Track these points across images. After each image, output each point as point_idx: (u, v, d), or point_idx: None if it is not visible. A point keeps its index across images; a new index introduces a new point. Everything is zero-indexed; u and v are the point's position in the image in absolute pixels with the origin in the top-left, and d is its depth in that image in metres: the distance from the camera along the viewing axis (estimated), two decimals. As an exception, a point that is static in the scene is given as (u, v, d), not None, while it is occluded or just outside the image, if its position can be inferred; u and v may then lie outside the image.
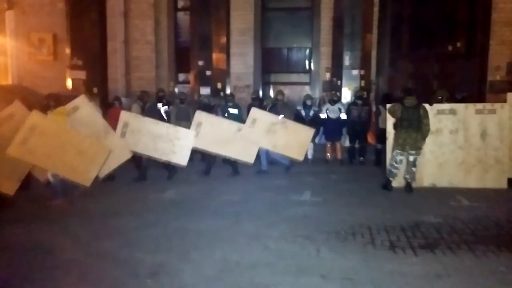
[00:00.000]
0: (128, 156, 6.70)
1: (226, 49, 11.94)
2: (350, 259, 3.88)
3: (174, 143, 6.65)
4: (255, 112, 7.26)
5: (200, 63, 11.62)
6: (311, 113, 8.76)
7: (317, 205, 5.78)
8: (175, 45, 12.78)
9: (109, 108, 8.59)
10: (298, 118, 8.26)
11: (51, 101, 6.07)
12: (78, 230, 4.76)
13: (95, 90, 10.88)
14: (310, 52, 12.39)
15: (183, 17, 12.75)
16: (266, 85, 12.71)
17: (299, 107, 8.91)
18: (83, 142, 5.84)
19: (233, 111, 8.23)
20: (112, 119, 8.14)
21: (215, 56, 11.65)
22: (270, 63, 12.70)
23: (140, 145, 6.65)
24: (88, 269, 3.75)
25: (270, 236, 4.49)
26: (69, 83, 11.42)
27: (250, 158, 7.18)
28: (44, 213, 5.47)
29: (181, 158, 6.74)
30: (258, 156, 7.54)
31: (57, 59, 12.15)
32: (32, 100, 8.68)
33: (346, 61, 10.86)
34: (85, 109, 6.35)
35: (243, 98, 10.86)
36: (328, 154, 9.18)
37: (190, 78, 12.08)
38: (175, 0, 12.72)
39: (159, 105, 8.15)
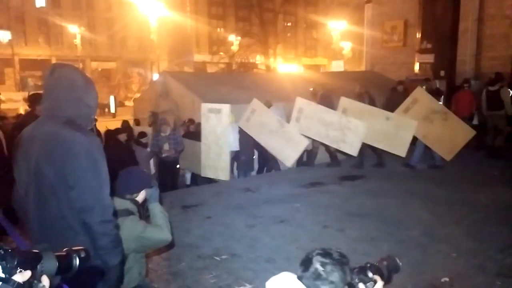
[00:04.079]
0: (305, 142, 6.88)
1: None
2: None
3: (344, 132, 6.69)
4: (417, 92, 6.78)
5: None
6: None
7: None
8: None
9: (456, 91, 8.29)
10: None
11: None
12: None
13: (442, 73, 10.70)
14: None
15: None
16: None
17: None
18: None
19: None
20: (460, 102, 7.83)
21: None
22: None
23: (312, 131, 6.88)
24: (431, 253, 3.84)
25: None
26: (416, 67, 11.74)
27: (401, 150, 6.52)
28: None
29: (351, 148, 6.71)
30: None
31: (407, 44, 12.63)
32: (383, 84, 9.55)
33: None
34: (260, 110, 6.95)
35: None
36: None
37: None
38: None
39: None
